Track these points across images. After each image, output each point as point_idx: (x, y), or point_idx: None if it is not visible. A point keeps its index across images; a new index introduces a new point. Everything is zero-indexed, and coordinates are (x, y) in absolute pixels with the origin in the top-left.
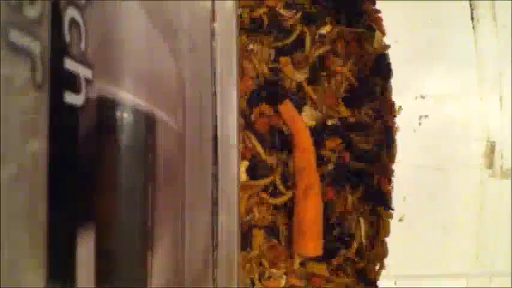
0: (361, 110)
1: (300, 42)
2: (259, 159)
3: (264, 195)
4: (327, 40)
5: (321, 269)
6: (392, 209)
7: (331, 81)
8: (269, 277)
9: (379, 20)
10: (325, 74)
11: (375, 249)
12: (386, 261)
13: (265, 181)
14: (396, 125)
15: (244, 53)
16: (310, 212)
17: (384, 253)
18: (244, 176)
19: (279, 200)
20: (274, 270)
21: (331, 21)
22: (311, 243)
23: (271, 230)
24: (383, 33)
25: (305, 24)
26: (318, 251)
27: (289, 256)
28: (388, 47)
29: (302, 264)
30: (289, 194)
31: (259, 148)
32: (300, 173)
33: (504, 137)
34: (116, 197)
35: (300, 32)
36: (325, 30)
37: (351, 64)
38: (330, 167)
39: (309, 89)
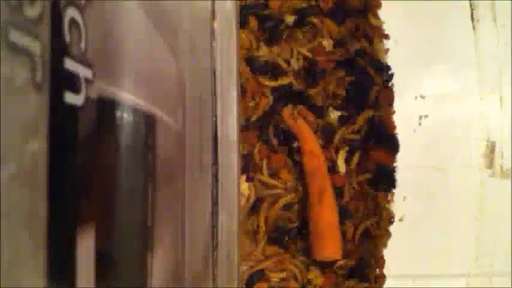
0: None
1: None
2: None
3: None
4: None
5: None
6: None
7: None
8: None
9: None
10: None
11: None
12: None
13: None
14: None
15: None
16: (327, 215)
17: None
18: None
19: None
20: (273, 275)
21: None
22: (331, 247)
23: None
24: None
25: None
26: (338, 255)
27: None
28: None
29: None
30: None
31: (271, 181)
32: (312, 177)
33: (504, 137)
34: (115, 197)
35: None
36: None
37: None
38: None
39: None
